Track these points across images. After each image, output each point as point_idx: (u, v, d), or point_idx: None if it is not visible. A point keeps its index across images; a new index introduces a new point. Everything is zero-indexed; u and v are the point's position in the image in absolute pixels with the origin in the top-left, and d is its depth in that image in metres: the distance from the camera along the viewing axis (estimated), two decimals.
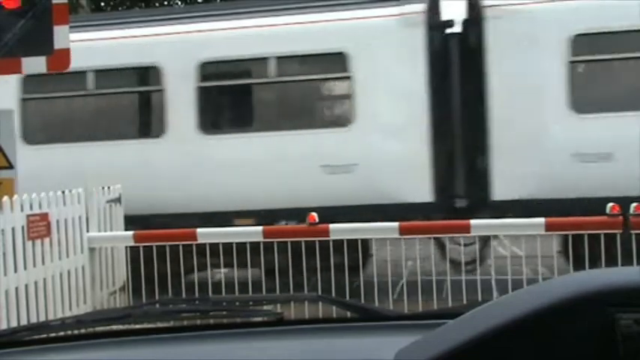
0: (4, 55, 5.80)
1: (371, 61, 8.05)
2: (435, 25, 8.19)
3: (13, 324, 5.32)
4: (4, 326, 5.16)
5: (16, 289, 5.58)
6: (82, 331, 1.81)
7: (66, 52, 5.81)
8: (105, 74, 8.52)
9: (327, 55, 8.19)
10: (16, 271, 5.58)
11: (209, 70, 8.39)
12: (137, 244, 6.66)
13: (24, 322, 5.44)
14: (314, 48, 8.17)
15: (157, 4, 22.00)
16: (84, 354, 1.63)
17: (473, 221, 6.27)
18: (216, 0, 19.85)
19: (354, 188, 7.96)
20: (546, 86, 7.83)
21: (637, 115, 7.21)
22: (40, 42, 5.78)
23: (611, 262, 5.83)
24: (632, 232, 5.76)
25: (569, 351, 1.16)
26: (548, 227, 6.00)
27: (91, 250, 6.62)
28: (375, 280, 6.58)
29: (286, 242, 6.38)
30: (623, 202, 6.03)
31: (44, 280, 5.96)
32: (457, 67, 8.36)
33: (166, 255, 6.49)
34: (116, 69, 8.53)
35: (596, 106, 7.76)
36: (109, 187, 7.11)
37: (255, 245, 6.50)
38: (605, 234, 5.92)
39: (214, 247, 6.49)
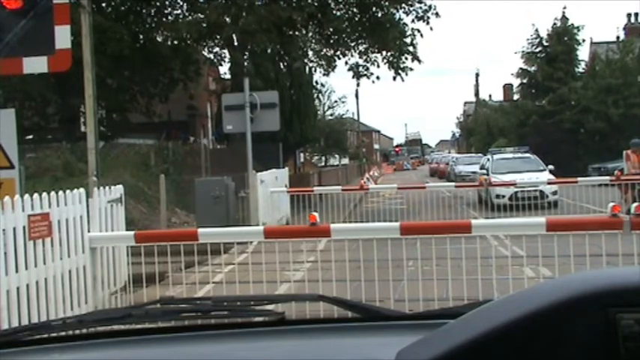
0: (5, 55, 5.80)
1: None
2: None
3: (15, 324, 5.32)
4: (5, 326, 5.16)
5: (18, 289, 5.58)
6: (84, 331, 1.81)
7: (67, 53, 5.80)
8: None
9: None
10: (17, 271, 5.58)
11: None
12: (138, 244, 6.65)
13: (25, 322, 5.44)
14: None
15: (158, 4, 21.95)
16: (85, 354, 1.63)
17: (474, 221, 6.27)
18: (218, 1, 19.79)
19: None
20: None
21: None
22: (42, 42, 5.77)
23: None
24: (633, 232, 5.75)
25: (570, 351, 1.16)
26: (550, 227, 5.99)
27: (92, 249, 6.61)
28: (377, 279, 6.57)
29: None
30: None
31: (45, 280, 5.96)
32: None
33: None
34: None
35: None
36: (110, 187, 7.11)
37: None
38: None
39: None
